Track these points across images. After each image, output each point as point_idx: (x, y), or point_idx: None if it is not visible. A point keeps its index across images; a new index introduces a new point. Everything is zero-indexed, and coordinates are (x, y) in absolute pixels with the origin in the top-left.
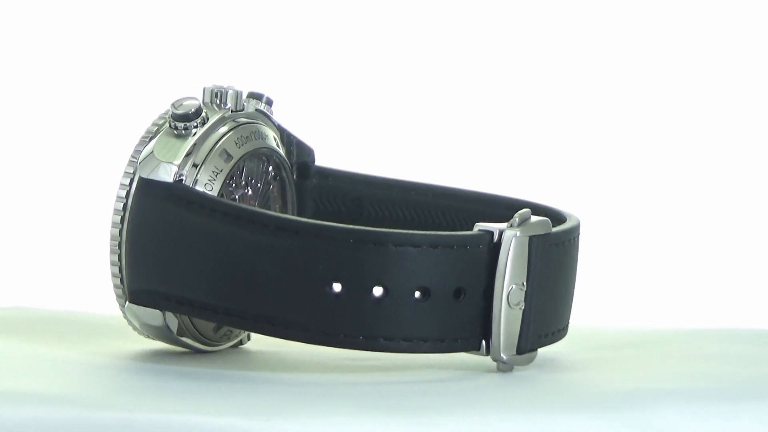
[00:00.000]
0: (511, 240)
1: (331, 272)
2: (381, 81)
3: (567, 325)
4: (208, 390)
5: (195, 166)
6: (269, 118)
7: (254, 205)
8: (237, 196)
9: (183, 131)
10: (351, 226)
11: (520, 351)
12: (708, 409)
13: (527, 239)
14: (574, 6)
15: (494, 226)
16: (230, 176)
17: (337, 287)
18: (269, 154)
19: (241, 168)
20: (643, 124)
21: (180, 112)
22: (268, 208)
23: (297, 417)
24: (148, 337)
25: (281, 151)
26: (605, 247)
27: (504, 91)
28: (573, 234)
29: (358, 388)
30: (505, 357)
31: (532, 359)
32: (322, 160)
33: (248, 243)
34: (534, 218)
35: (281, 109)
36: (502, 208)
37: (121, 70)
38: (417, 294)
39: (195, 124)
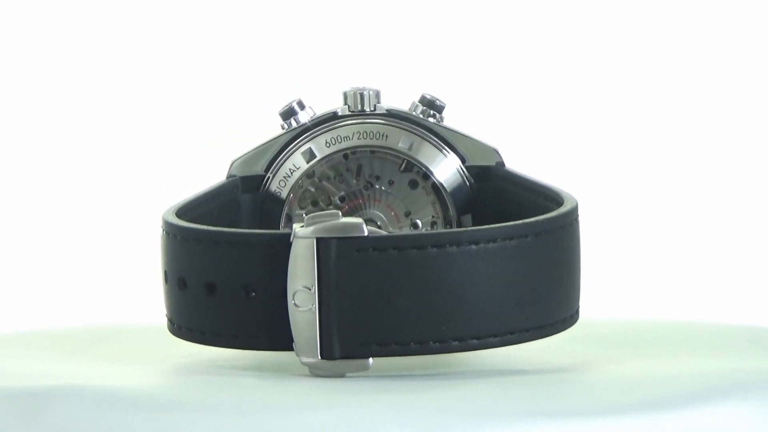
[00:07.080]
0: (295, 240)
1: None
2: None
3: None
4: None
5: (271, 163)
6: (411, 119)
7: (388, 207)
8: (345, 195)
9: (282, 129)
10: (186, 224)
11: (327, 356)
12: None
13: (314, 241)
14: None
15: (296, 226)
16: (331, 172)
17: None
18: (403, 156)
19: (349, 166)
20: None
21: (281, 111)
22: (413, 210)
23: None
24: None
25: (415, 151)
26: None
27: None
28: (418, 242)
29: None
30: (304, 360)
31: (362, 368)
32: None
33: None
34: (345, 220)
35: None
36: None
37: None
38: (207, 289)
39: (288, 123)
